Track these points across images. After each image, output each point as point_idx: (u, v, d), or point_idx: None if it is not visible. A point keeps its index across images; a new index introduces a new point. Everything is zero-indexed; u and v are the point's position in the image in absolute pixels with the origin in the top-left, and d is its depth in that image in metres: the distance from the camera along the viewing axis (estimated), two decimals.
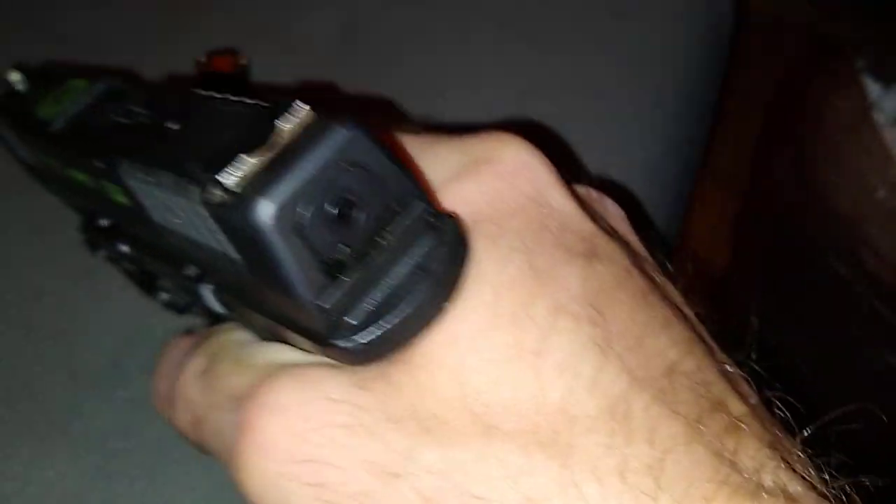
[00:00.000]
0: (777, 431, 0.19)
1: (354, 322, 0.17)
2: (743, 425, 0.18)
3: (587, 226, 0.21)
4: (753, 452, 0.18)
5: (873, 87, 0.74)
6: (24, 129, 0.28)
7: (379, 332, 0.17)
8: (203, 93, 0.21)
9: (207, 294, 0.22)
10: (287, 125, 0.17)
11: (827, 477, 0.18)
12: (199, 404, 0.22)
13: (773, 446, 0.18)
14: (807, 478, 0.18)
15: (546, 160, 0.21)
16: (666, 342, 0.19)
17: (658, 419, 0.17)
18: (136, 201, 0.21)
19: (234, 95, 0.20)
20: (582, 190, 0.23)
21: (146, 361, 0.38)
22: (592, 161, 0.45)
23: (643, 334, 0.19)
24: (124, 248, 0.28)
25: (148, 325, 0.39)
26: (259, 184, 0.16)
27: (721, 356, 0.20)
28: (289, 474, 0.18)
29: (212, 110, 0.20)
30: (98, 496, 0.34)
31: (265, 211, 0.16)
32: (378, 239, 0.17)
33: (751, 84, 1.28)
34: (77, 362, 0.38)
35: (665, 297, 0.21)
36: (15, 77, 0.30)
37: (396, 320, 0.17)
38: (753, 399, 0.20)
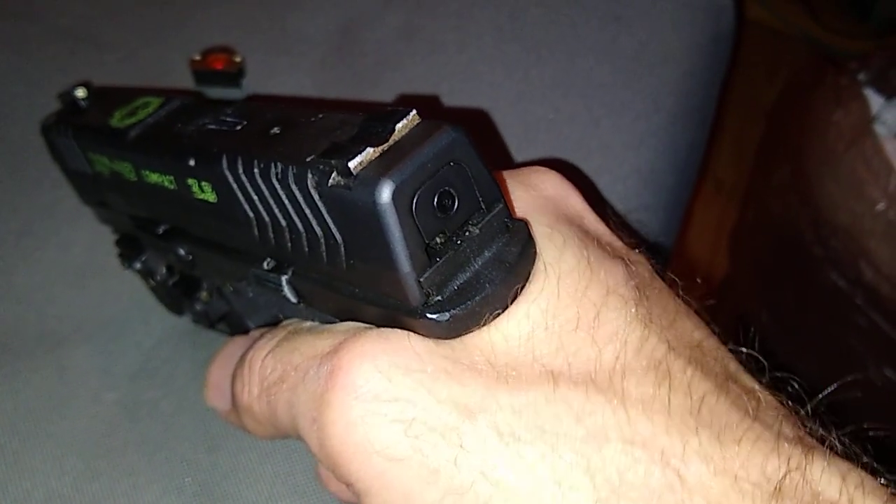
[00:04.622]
0: (787, 402, 0.22)
1: (443, 299, 0.20)
2: (758, 392, 0.22)
3: (617, 241, 0.25)
4: (771, 411, 0.21)
5: (875, 100, 0.74)
6: (98, 135, 0.30)
7: (463, 310, 0.20)
8: (287, 108, 0.24)
9: (283, 283, 0.24)
10: (399, 125, 0.20)
11: (836, 434, 0.22)
12: (274, 372, 0.24)
13: (786, 409, 0.22)
14: (819, 434, 0.22)
15: (578, 192, 0.26)
16: (691, 325, 0.23)
17: (692, 378, 0.21)
18: (227, 196, 0.24)
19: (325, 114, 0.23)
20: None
21: (133, 364, 0.37)
22: (590, 165, 0.45)
23: (675, 318, 0.23)
24: (182, 251, 0.30)
25: (136, 330, 0.38)
26: (380, 168, 0.19)
27: (729, 346, 0.24)
28: (376, 412, 0.20)
29: (310, 119, 0.22)
30: (83, 496, 0.34)
31: (386, 191, 0.18)
32: (467, 230, 0.21)
33: (752, 95, 1.28)
34: (64, 363, 0.37)
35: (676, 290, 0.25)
36: (80, 93, 0.32)
37: (477, 300, 0.20)
38: (758, 380, 0.23)
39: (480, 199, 0.21)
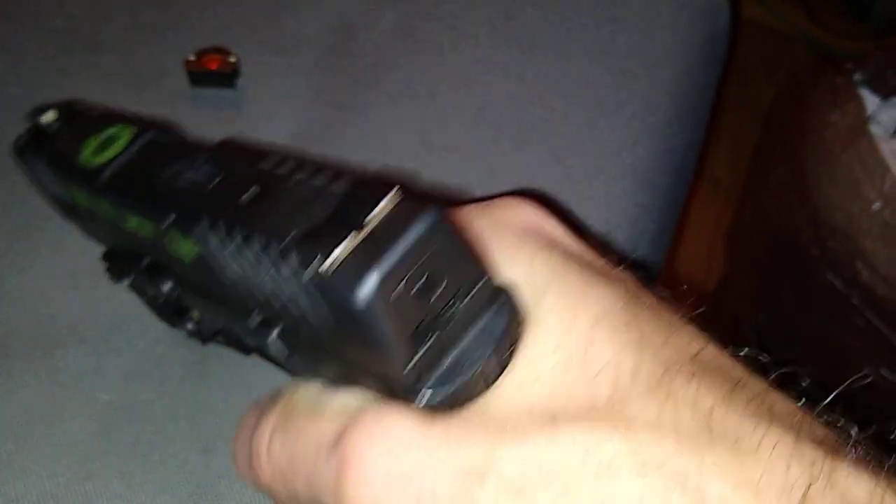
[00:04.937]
0: (801, 401, 0.22)
1: (432, 381, 0.20)
2: (770, 395, 0.21)
3: (599, 260, 0.25)
4: (787, 413, 0.21)
5: (871, 100, 0.74)
6: (70, 172, 0.29)
7: (451, 390, 0.20)
8: (262, 161, 0.23)
9: (272, 339, 0.24)
10: (378, 207, 0.19)
11: (857, 434, 0.21)
12: (282, 457, 0.24)
13: (802, 410, 0.21)
14: (839, 434, 0.21)
15: (553, 218, 0.25)
16: (687, 337, 0.22)
17: (697, 392, 0.20)
18: (207, 255, 0.23)
19: (293, 167, 0.22)
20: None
21: (127, 365, 0.37)
22: (585, 166, 0.45)
23: (669, 333, 0.22)
24: (166, 287, 0.29)
25: (130, 331, 0.38)
26: (359, 263, 0.18)
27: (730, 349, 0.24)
28: (389, 489, 0.21)
29: (287, 183, 0.22)
30: (76, 497, 0.34)
31: (366, 289, 0.18)
32: (451, 309, 0.20)
33: (750, 95, 1.28)
34: (58, 365, 0.37)
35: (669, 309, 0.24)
36: (49, 118, 0.31)
37: (468, 376, 0.20)
38: (767, 381, 0.22)
39: (464, 276, 0.20)
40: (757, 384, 0.22)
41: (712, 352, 0.22)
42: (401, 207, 0.19)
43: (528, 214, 0.25)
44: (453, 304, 0.20)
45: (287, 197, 0.21)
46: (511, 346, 0.21)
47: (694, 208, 1.20)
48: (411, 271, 0.19)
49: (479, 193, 0.43)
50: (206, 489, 0.34)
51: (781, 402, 0.21)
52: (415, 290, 0.19)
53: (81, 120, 0.31)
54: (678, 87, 0.50)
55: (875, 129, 0.70)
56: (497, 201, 0.26)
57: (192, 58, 0.44)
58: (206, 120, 0.44)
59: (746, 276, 0.92)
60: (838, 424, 0.21)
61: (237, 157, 0.24)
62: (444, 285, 0.20)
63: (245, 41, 0.47)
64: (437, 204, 0.19)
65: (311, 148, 0.44)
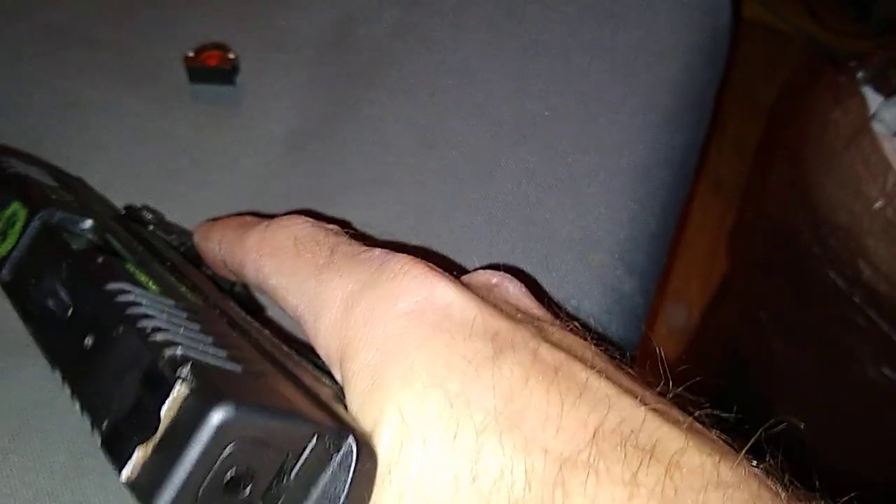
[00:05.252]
0: (720, 443, 0.20)
1: None
2: (683, 458, 0.19)
3: (490, 322, 0.22)
4: (697, 484, 0.19)
5: (873, 99, 0.74)
6: None
7: None
8: (117, 297, 0.21)
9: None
10: (166, 407, 0.18)
11: (782, 477, 0.20)
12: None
13: (718, 463, 0.19)
14: (760, 481, 0.19)
15: (432, 270, 0.23)
16: (585, 409, 0.20)
17: (595, 491, 0.18)
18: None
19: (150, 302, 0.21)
20: (480, 278, 0.27)
21: None
22: (586, 164, 0.45)
23: (560, 412, 0.20)
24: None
25: None
26: (155, 471, 0.17)
27: (645, 393, 0.22)
28: None
29: (117, 332, 0.20)
30: (72, 494, 0.33)
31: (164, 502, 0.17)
32: (281, 483, 0.18)
33: (751, 94, 1.27)
34: None
35: (576, 360, 0.22)
36: None
37: None
38: (686, 423, 0.21)
39: (285, 447, 0.18)
40: (671, 442, 0.19)
41: (615, 417, 0.20)
42: (192, 400, 0.17)
43: (410, 293, 0.22)
44: (283, 474, 0.18)
45: (112, 356, 0.20)
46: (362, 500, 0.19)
47: (696, 208, 1.20)
48: (212, 471, 0.17)
49: (477, 188, 0.42)
50: None
51: (692, 471, 0.19)
52: (227, 481, 0.17)
53: None
54: (679, 85, 0.50)
55: (877, 128, 0.70)
56: (371, 271, 0.23)
57: (191, 54, 0.44)
58: (204, 117, 0.44)
59: (748, 275, 0.92)
60: (763, 473, 0.20)
61: (91, 280, 0.23)
62: (259, 468, 0.18)
63: (244, 38, 0.47)
64: (233, 381, 0.18)
65: (311, 144, 0.44)
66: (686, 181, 0.52)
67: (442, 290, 0.22)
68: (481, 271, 0.27)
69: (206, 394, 0.17)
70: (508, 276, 0.27)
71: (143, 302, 0.21)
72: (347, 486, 0.19)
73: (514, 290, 0.27)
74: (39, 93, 0.45)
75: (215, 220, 0.31)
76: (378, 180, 0.42)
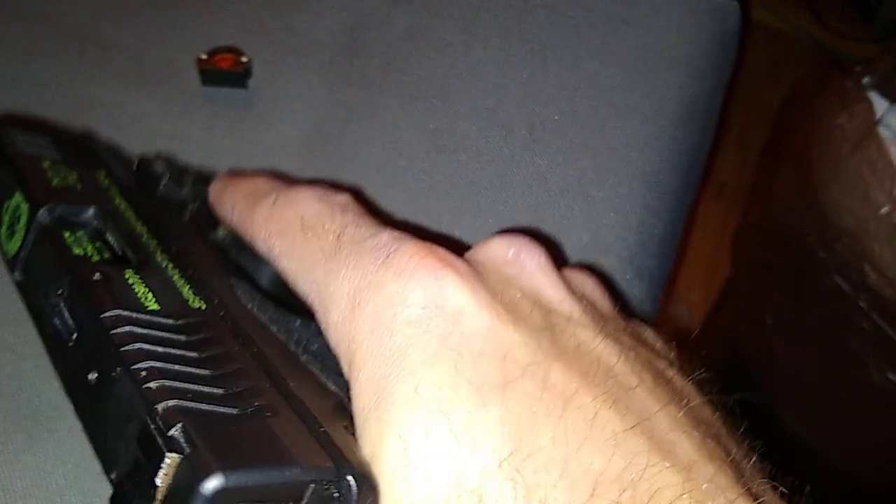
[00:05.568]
0: (725, 477, 0.20)
1: None
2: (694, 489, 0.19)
3: (502, 335, 0.21)
4: None
5: (880, 104, 0.74)
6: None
7: None
8: (114, 331, 0.21)
9: None
10: (160, 477, 0.18)
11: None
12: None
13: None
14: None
15: (441, 264, 0.22)
16: (589, 452, 0.19)
17: None
18: None
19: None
20: (495, 251, 0.24)
21: None
22: (595, 168, 0.45)
23: (565, 453, 0.19)
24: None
25: None
26: None
27: (661, 412, 0.21)
28: None
29: (114, 374, 0.20)
30: (83, 495, 0.34)
31: None
32: None
33: (756, 98, 1.27)
34: None
35: (589, 382, 0.20)
36: None
37: None
38: (698, 454, 0.20)
39: (284, 497, 0.19)
40: (673, 479, 0.19)
41: (620, 462, 0.19)
42: (183, 470, 0.18)
43: (418, 297, 0.21)
44: None
45: (112, 402, 0.20)
46: None
47: (699, 211, 1.20)
48: None
49: (488, 192, 0.43)
50: None
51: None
52: None
53: (1, 174, 0.29)
54: (688, 90, 0.50)
55: (884, 133, 0.70)
56: (380, 272, 0.22)
57: (203, 57, 0.45)
58: (217, 119, 0.45)
59: (752, 278, 0.92)
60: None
61: (90, 306, 0.23)
62: None
63: (257, 41, 0.47)
64: (224, 451, 0.18)
65: (322, 148, 0.44)
66: (693, 186, 0.52)
67: (452, 291, 0.21)
68: (496, 241, 0.25)
69: (198, 464, 0.17)
70: (526, 243, 0.25)
71: (139, 332, 0.21)
72: None
73: (530, 265, 0.24)
74: (53, 95, 0.45)
75: (232, 174, 0.30)
76: (389, 184, 0.43)
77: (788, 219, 0.80)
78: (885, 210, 0.67)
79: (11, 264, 0.27)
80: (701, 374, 0.24)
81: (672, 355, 0.26)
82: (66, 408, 0.35)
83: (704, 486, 0.19)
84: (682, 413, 0.21)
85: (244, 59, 0.45)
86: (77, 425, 0.35)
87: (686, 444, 0.20)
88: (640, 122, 0.47)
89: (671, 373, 0.23)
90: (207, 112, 0.45)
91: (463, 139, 0.45)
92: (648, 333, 0.27)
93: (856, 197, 0.69)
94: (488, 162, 0.44)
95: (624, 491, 0.18)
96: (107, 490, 0.33)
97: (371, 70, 0.48)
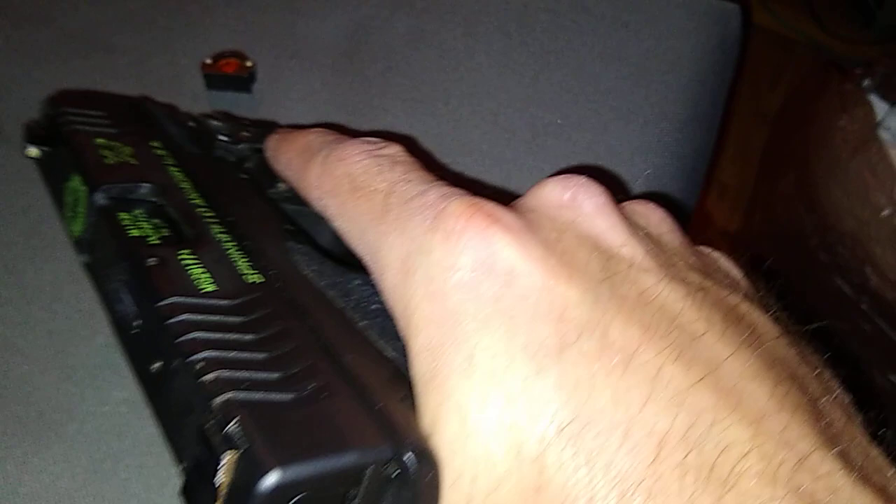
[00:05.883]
0: (799, 427, 0.19)
1: None
2: (743, 472, 0.18)
3: (557, 291, 0.20)
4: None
5: (880, 106, 0.74)
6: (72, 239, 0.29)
7: None
8: (170, 319, 0.21)
9: None
10: (220, 473, 0.18)
11: None
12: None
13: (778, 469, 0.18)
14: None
15: (491, 220, 0.21)
16: (652, 412, 0.18)
17: None
18: None
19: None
20: (550, 195, 0.23)
21: None
22: (598, 172, 0.45)
23: (627, 416, 0.18)
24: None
25: None
26: None
27: (735, 356, 0.19)
28: None
29: (174, 365, 0.20)
30: (92, 498, 0.34)
31: None
32: None
33: (757, 100, 1.28)
34: (72, 362, 0.37)
35: (651, 337, 0.19)
36: (33, 152, 0.30)
37: None
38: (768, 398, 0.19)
39: (343, 482, 0.18)
40: (727, 462, 0.18)
41: (684, 420, 0.18)
42: (242, 465, 0.18)
43: (467, 259, 0.20)
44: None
45: (174, 393, 0.20)
46: None
47: (701, 213, 1.20)
48: None
49: (491, 196, 0.43)
50: None
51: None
52: None
53: (59, 155, 0.30)
54: (690, 94, 0.50)
55: (884, 136, 0.71)
56: (437, 230, 0.21)
57: (208, 61, 0.45)
58: None
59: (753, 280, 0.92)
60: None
61: (148, 293, 0.23)
62: (325, 502, 0.18)
63: (261, 46, 0.48)
64: (279, 447, 0.18)
65: None
66: (696, 189, 0.52)
67: (501, 250, 0.20)
68: (550, 184, 0.23)
69: (255, 460, 0.18)
70: (583, 183, 0.23)
71: (195, 320, 0.21)
72: (413, 500, 0.19)
73: (588, 208, 0.22)
74: None
75: (288, 131, 0.30)
76: None
77: (790, 221, 0.80)
78: (886, 212, 0.67)
79: (78, 246, 0.27)
80: (778, 306, 0.23)
81: (747, 286, 0.24)
82: (74, 411, 0.36)
83: (775, 439, 0.18)
84: (754, 356, 0.20)
85: (248, 64, 0.45)
86: (84, 428, 0.35)
87: (757, 393, 0.19)
88: (643, 126, 0.47)
89: (745, 308, 0.22)
90: None
91: (465, 143, 0.45)
92: (722, 262, 0.25)
93: (857, 199, 0.70)
94: (491, 165, 0.44)
95: (690, 451, 0.18)
96: (113, 493, 0.34)
97: (374, 73, 0.48)
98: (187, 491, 0.19)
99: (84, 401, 0.36)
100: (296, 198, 0.29)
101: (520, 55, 0.49)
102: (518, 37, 0.50)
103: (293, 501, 0.18)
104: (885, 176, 0.68)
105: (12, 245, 0.41)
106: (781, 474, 0.17)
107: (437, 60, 0.49)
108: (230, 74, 0.45)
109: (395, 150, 0.25)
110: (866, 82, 0.76)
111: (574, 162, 0.45)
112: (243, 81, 0.45)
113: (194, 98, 0.46)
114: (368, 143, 0.25)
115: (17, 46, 0.48)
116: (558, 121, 0.46)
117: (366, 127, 0.46)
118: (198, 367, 0.20)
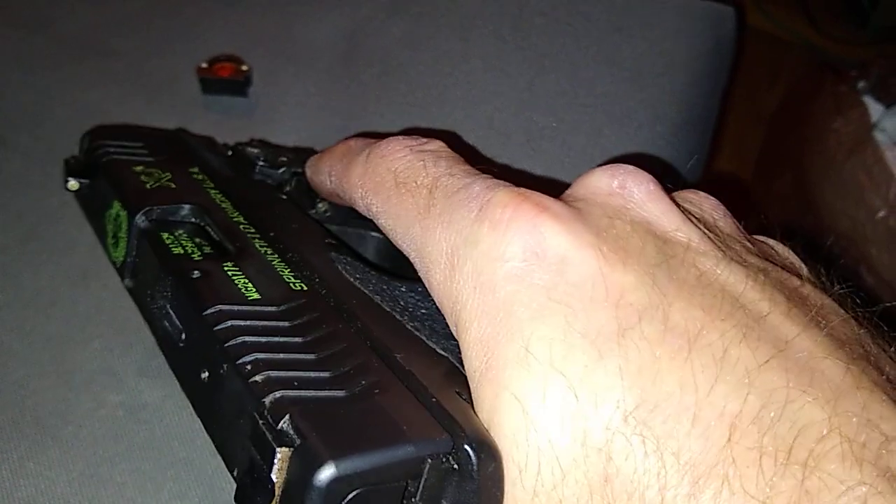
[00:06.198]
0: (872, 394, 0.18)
1: None
2: (823, 453, 0.17)
3: (612, 278, 0.19)
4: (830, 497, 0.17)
5: (875, 108, 0.75)
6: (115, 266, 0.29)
7: None
8: (216, 327, 0.21)
9: None
10: (275, 471, 0.18)
11: None
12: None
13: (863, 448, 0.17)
14: None
15: (539, 209, 0.20)
16: (721, 393, 0.17)
17: None
18: None
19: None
20: (597, 184, 0.22)
21: (137, 363, 0.37)
22: None
23: (695, 399, 0.17)
24: None
25: (141, 330, 0.38)
26: None
27: (801, 337, 0.19)
28: None
29: (222, 370, 0.20)
30: (85, 502, 0.34)
31: None
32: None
33: (752, 102, 1.28)
34: (69, 366, 0.37)
35: (714, 317, 0.19)
36: (73, 185, 0.31)
37: None
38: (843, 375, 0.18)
39: (402, 476, 0.18)
40: (807, 441, 0.17)
41: (756, 400, 0.17)
42: (296, 462, 0.18)
43: (517, 248, 0.20)
44: (409, 501, 0.18)
45: (224, 399, 0.20)
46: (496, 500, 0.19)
47: None
48: None
49: None
50: (219, 493, 0.34)
51: (828, 482, 0.16)
52: None
53: (98, 186, 0.30)
54: (685, 97, 0.50)
55: (879, 137, 0.71)
56: (495, 224, 0.20)
57: (204, 65, 0.45)
58: (217, 127, 0.45)
59: None
60: None
61: (193, 304, 0.23)
62: (385, 498, 0.18)
63: (257, 50, 0.48)
64: (334, 438, 0.18)
65: None
66: None
67: (551, 238, 0.20)
68: (597, 174, 0.22)
69: (309, 455, 0.17)
70: (631, 171, 0.22)
71: (242, 325, 0.21)
72: (476, 493, 0.18)
73: (638, 195, 0.22)
74: (55, 104, 0.45)
75: (324, 151, 0.30)
76: None
77: (785, 223, 0.80)
78: (881, 214, 0.67)
79: (121, 272, 0.27)
80: (841, 288, 0.22)
81: (807, 270, 0.24)
82: (71, 415, 0.36)
83: (855, 418, 0.17)
84: (823, 335, 0.19)
85: (244, 68, 0.45)
86: (80, 432, 0.35)
87: (831, 371, 0.18)
88: (637, 129, 0.47)
89: (807, 290, 0.21)
90: (208, 120, 0.45)
91: (460, 147, 0.45)
92: (779, 248, 0.25)
93: (852, 201, 0.70)
94: (486, 169, 0.45)
95: (765, 433, 0.17)
96: (109, 497, 0.34)
97: (369, 77, 0.48)
98: (240, 498, 0.19)
99: (80, 405, 0.36)
100: (337, 216, 0.29)
101: (515, 59, 0.49)
102: (513, 41, 0.50)
103: (352, 497, 0.17)
104: (881, 177, 0.68)
105: (9, 250, 0.41)
106: (867, 456, 0.16)
107: (432, 64, 0.49)
108: (226, 78, 0.45)
109: (437, 145, 0.25)
110: (861, 84, 0.76)
111: (569, 166, 0.45)
112: (239, 85, 0.45)
113: (190, 102, 0.46)
114: (410, 139, 0.25)
115: (13, 51, 0.48)
116: (553, 124, 0.46)
117: (360, 131, 0.46)
118: (247, 368, 0.20)
